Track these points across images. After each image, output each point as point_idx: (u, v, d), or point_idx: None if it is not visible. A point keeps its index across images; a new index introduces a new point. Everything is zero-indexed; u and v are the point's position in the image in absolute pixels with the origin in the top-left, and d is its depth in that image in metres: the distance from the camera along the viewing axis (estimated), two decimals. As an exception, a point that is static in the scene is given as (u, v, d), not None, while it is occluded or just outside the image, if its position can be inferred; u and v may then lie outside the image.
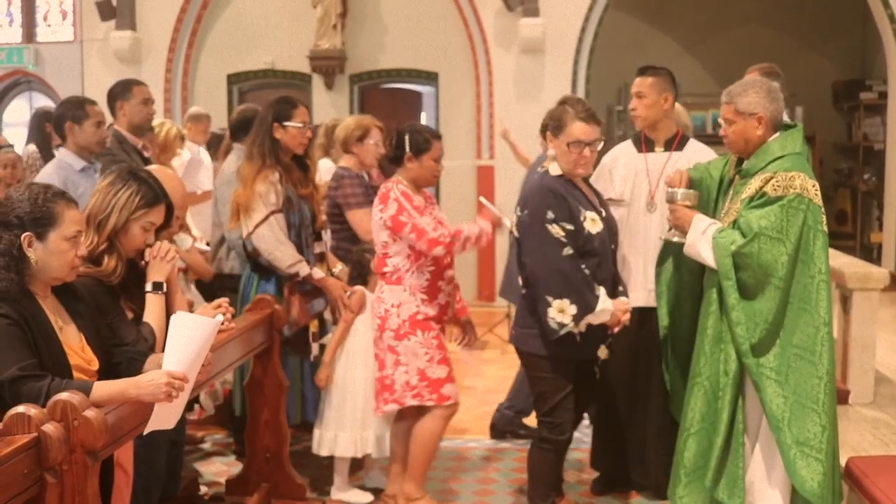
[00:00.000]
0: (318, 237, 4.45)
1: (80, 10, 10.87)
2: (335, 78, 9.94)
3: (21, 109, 12.58)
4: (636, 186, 4.25)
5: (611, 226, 3.88)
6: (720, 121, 3.59)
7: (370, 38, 9.93)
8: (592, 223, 3.75)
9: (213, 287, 4.74)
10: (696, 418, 3.56)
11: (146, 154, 4.86)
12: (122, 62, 10.00)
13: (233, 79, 10.41)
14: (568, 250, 3.65)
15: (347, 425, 4.26)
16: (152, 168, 3.51)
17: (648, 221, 4.20)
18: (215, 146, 6.62)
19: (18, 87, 12.63)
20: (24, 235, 2.52)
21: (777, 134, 3.50)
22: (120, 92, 4.74)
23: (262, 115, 4.31)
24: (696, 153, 4.21)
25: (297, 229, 4.25)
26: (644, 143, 4.31)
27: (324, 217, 4.51)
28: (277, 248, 4.12)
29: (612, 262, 3.87)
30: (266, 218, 4.11)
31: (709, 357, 3.52)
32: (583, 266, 3.67)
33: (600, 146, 3.82)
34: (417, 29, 9.83)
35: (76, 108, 4.40)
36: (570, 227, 3.69)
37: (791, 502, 3.43)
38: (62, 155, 4.40)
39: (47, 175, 4.23)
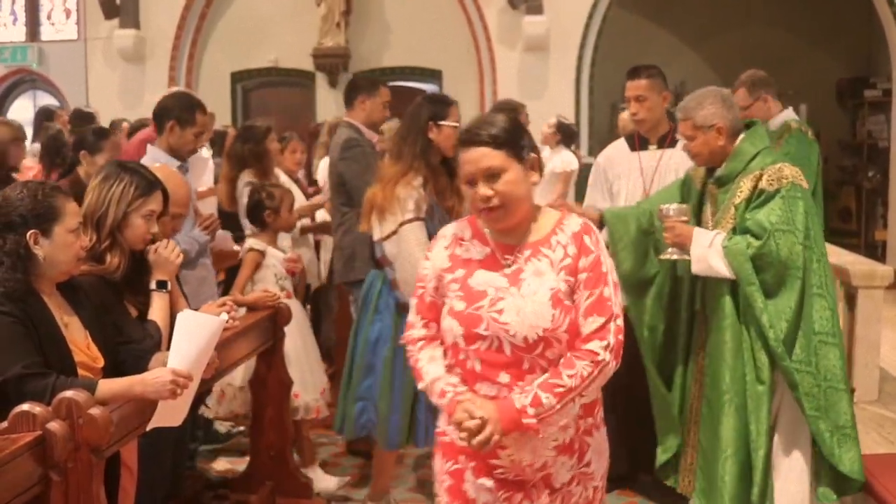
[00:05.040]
0: None
1: (83, 8, 10.89)
2: (339, 76, 9.94)
3: (25, 108, 12.58)
4: (631, 184, 4.24)
5: None
6: (678, 136, 3.54)
7: (374, 36, 9.92)
8: None
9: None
10: (731, 437, 3.40)
11: (378, 149, 4.78)
12: (125, 60, 10.02)
13: (236, 77, 10.41)
14: None
15: None
16: (155, 167, 3.48)
17: None
18: (219, 143, 6.62)
19: (22, 85, 12.63)
20: (31, 233, 2.52)
21: (742, 135, 3.46)
22: (367, 87, 4.81)
23: (413, 112, 3.87)
24: None
25: None
26: (637, 142, 4.30)
27: None
28: (406, 263, 3.64)
29: None
30: (396, 231, 3.68)
31: (733, 371, 3.39)
32: None
33: None
34: (421, 27, 9.82)
35: (185, 111, 4.09)
36: None
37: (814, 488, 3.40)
38: (156, 154, 4.04)
39: None
